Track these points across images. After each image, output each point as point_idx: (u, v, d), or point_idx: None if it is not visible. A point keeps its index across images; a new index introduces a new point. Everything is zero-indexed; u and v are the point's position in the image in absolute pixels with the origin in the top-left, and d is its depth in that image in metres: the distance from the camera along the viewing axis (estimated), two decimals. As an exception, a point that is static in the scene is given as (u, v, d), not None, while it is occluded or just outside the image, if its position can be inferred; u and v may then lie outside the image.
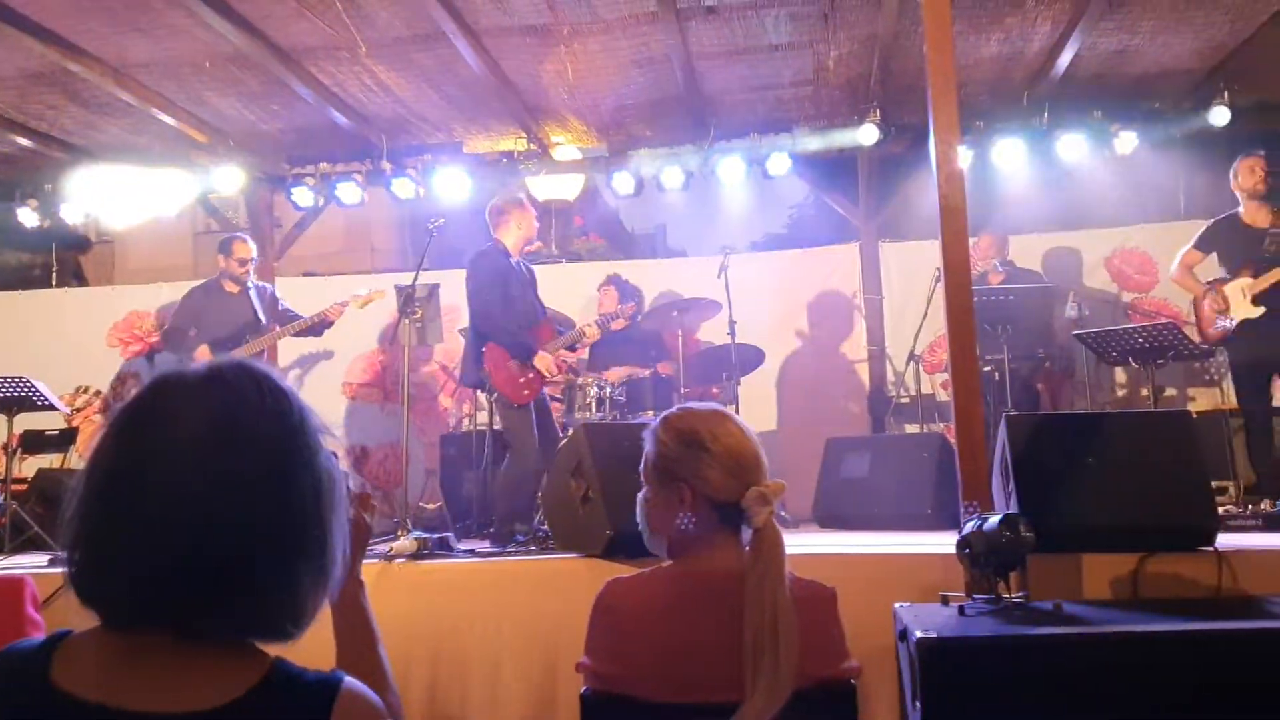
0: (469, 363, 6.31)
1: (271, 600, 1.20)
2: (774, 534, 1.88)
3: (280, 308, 7.27)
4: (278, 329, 7.06)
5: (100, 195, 8.51)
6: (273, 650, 1.23)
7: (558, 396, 7.11)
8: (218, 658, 1.19)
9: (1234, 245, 6.45)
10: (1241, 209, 6.44)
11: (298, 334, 7.26)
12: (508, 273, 6.27)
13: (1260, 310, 6.16)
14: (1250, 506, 5.61)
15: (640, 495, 2.09)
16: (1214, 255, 6.60)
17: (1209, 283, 6.48)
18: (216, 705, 1.15)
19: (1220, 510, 4.41)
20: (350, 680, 1.23)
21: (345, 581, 1.46)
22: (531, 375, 6.17)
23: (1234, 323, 6.25)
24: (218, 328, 6.93)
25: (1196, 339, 6.56)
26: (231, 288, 7.12)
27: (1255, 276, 6.22)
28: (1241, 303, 6.24)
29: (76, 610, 1.20)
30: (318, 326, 7.12)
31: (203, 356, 6.71)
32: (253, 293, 7.12)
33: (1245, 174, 6.39)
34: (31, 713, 1.15)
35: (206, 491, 1.16)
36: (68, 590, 1.20)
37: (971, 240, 5.72)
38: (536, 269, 6.62)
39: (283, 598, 1.21)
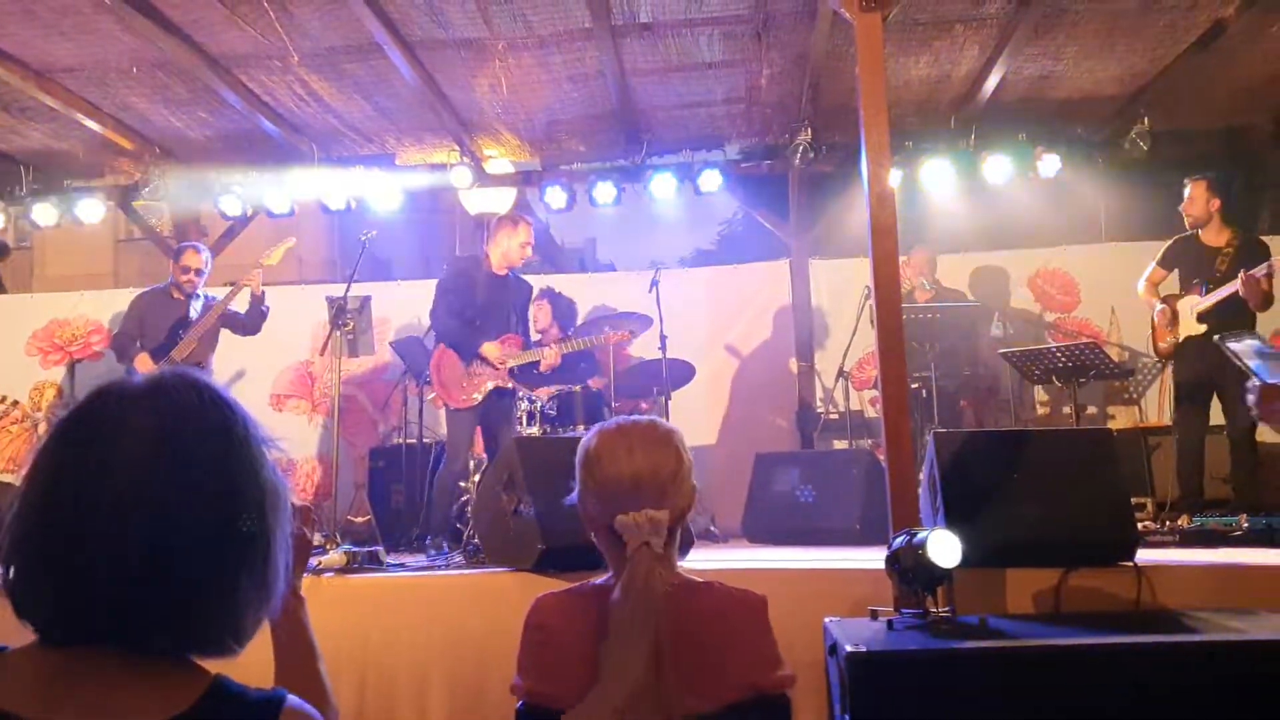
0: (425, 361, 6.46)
1: (213, 615, 1.18)
2: (637, 565, 1.84)
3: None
4: (204, 316, 6.84)
5: (21, 201, 8.32)
6: (213, 667, 1.21)
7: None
8: (158, 674, 1.17)
9: (1190, 263, 6.50)
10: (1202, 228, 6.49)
11: (240, 329, 7.06)
12: (473, 281, 6.41)
13: (1204, 328, 6.22)
14: (1168, 523, 5.75)
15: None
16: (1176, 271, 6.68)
17: (1165, 297, 6.59)
18: None
19: (1139, 526, 4.52)
20: (293, 698, 1.22)
21: (286, 597, 1.45)
22: (474, 380, 6.21)
23: (1180, 338, 6.36)
24: (156, 333, 6.77)
25: (1153, 352, 6.72)
26: (178, 295, 6.97)
27: (1202, 294, 6.30)
28: (1188, 319, 6.35)
29: (7, 623, 1.17)
30: (254, 310, 6.92)
31: (143, 365, 6.57)
32: (197, 301, 6.96)
33: (1188, 203, 6.45)
34: None
35: (148, 505, 1.14)
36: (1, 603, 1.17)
37: (902, 257, 5.81)
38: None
39: (225, 612, 1.19)
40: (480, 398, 6.27)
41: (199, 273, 6.96)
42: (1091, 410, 8.19)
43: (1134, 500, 5.54)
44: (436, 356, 6.42)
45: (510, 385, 6.34)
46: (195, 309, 6.92)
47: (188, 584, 1.15)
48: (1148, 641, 3.08)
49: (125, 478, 1.15)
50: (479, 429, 6.44)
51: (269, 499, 1.24)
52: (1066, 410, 7.43)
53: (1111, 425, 7.96)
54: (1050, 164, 7.82)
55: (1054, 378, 6.77)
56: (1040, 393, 8.34)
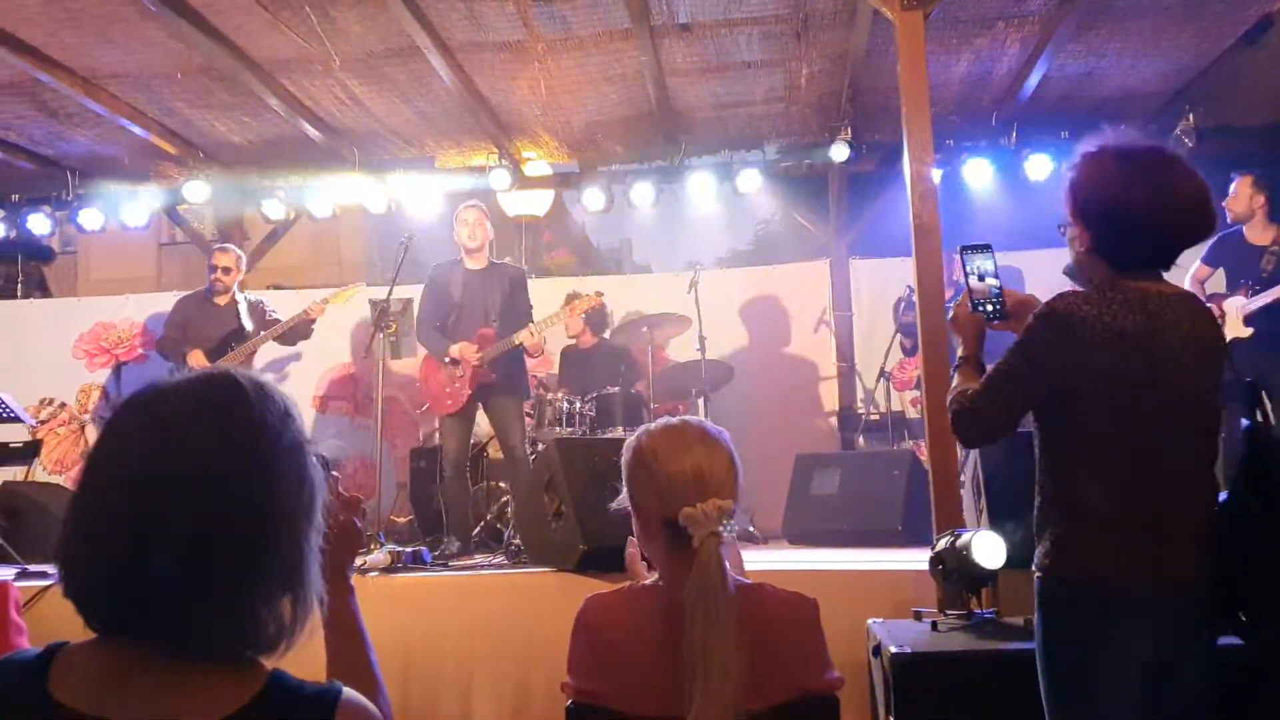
0: None
1: (257, 612, 1.19)
2: (707, 556, 1.84)
3: (268, 318, 7.19)
4: (262, 334, 6.98)
5: (68, 206, 8.45)
6: (269, 661, 1.23)
7: (527, 411, 7.11)
8: (215, 670, 1.18)
9: (1235, 261, 6.37)
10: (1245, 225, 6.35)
11: (284, 341, 7.16)
12: (448, 282, 6.41)
13: (1249, 331, 6.12)
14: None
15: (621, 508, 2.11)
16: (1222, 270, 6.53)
17: (1210, 296, 6.47)
18: (214, 718, 1.15)
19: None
20: (348, 692, 1.23)
21: (337, 587, 1.46)
22: (456, 385, 6.19)
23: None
24: (203, 339, 6.86)
25: None
26: (220, 298, 7.06)
27: (1249, 296, 6.18)
28: (1235, 321, 6.22)
29: (55, 617, 1.19)
30: (302, 328, 7.03)
31: (196, 360, 6.64)
32: (241, 304, 7.05)
33: (1232, 199, 6.32)
34: None
35: (193, 505, 1.15)
36: (55, 595, 1.19)
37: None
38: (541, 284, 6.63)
39: (266, 611, 1.20)
40: (464, 400, 6.21)
41: (227, 270, 7.04)
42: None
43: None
44: (423, 367, 6.43)
45: (492, 379, 6.21)
46: (243, 313, 6.99)
47: (232, 582, 1.17)
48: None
49: (165, 477, 1.16)
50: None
51: (307, 496, 1.25)
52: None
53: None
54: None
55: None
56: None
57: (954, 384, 2.48)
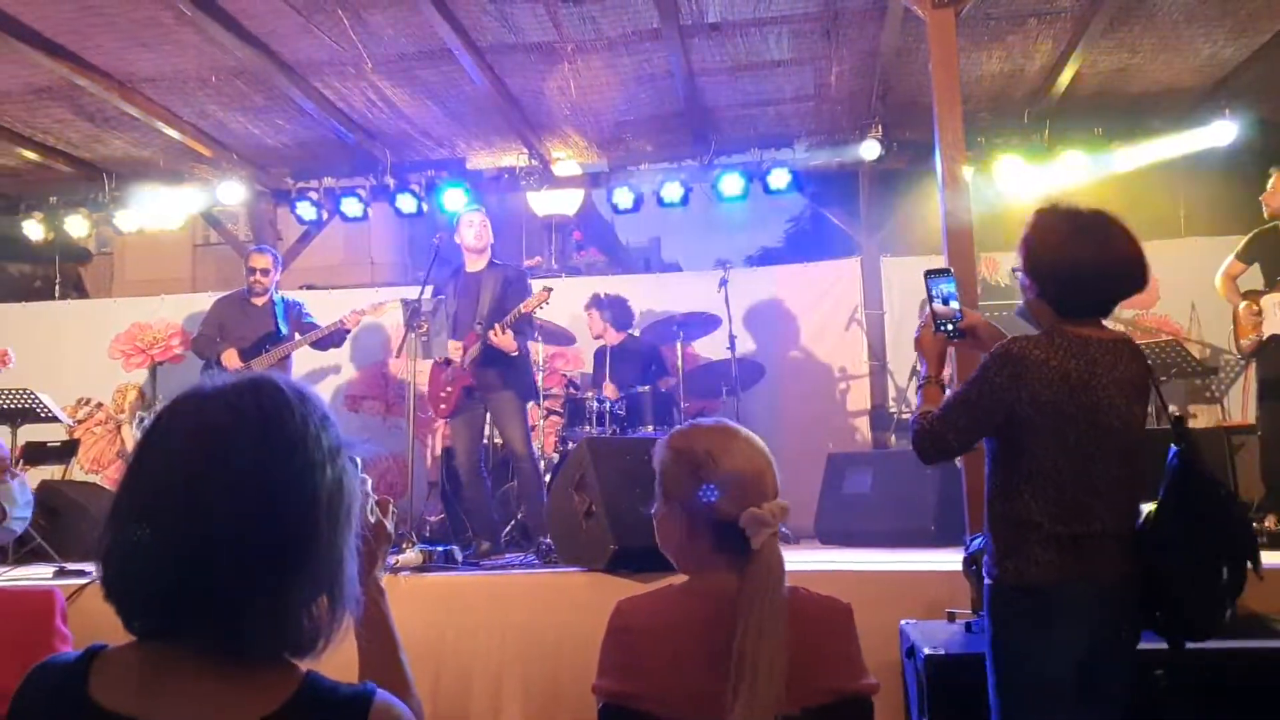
0: None
1: (295, 615, 1.20)
2: (769, 556, 1.85)
3: (304, 321, 7.27)
4: (297, 337, 7.05)
5: (104, 208, 8.55)
6: (305, 663, 1.24)
7: (558, 410, 7.12)
8: (252, 672, 1.20)
9: (1273, 258, 6.26)
10: None
11: (318, 346, 7.25)
12: (447, 284, 6.46)
13: None
14: (1254, 524, 5.59)
15: (653, 510, 2.09)
16: (1258, 265, 6.39)
17: (1245, 293, 6.39)
18: (252, 719, 1.16)
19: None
20: (381, 693, 1.24)
21: (369, 587, 1.47)
22: (450, 390, 6.22)
23: (1265, 335, 6.14)
24: (238, 339, 6.94)
25: (1235, 349, 6.50)
26: (257, 300, 7.15)
27: None
28: (1273, 316, 6.13)
29: (95, 614, 1.21)
30: (336, 336, 7.11)
31: (230, 360, 6.72)
32: (278, 306, 7.13)
33: (1269, 194, 6.20)
34: None
35: (233, 508, 1.16)
36: (95, 600, 1.21)
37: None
38: (536, 283, 6.58)
39: (305, 614, 1.21)
40: (455, 403, 6.24)
41: (265, 272, 7.11)
42: (1172, 409, 7.98)
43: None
44: (430, 371, 6.49)
45: (472, 381, 6.21)
46: (279, 315, 7.06)
47: (274, 585, 1.18)
48: (1233, 647, 3.02)
49: (211, 481, 1.18)
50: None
51: (346, 500, 1.26)
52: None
53: (1193, 425, 7.79)
54: (1127, 158, 7.68)
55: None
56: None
57: (918, 404, 2.81)
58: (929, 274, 2.82)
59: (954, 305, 2.79)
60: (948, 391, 2.73)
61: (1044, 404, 2.46)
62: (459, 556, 5.22)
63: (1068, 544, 2.44)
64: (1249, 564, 2.46)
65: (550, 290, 6.35)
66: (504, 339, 6.10)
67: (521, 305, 6.24)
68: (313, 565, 1.22)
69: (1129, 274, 2.57)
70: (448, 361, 6.26)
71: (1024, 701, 2.49)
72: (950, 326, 2.78)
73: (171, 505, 1.17)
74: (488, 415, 6.44)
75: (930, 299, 2.81)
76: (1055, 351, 2.49)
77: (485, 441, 6.83)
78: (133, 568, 1.18)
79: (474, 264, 6.44)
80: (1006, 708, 2.52)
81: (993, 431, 2.58)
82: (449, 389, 6.25)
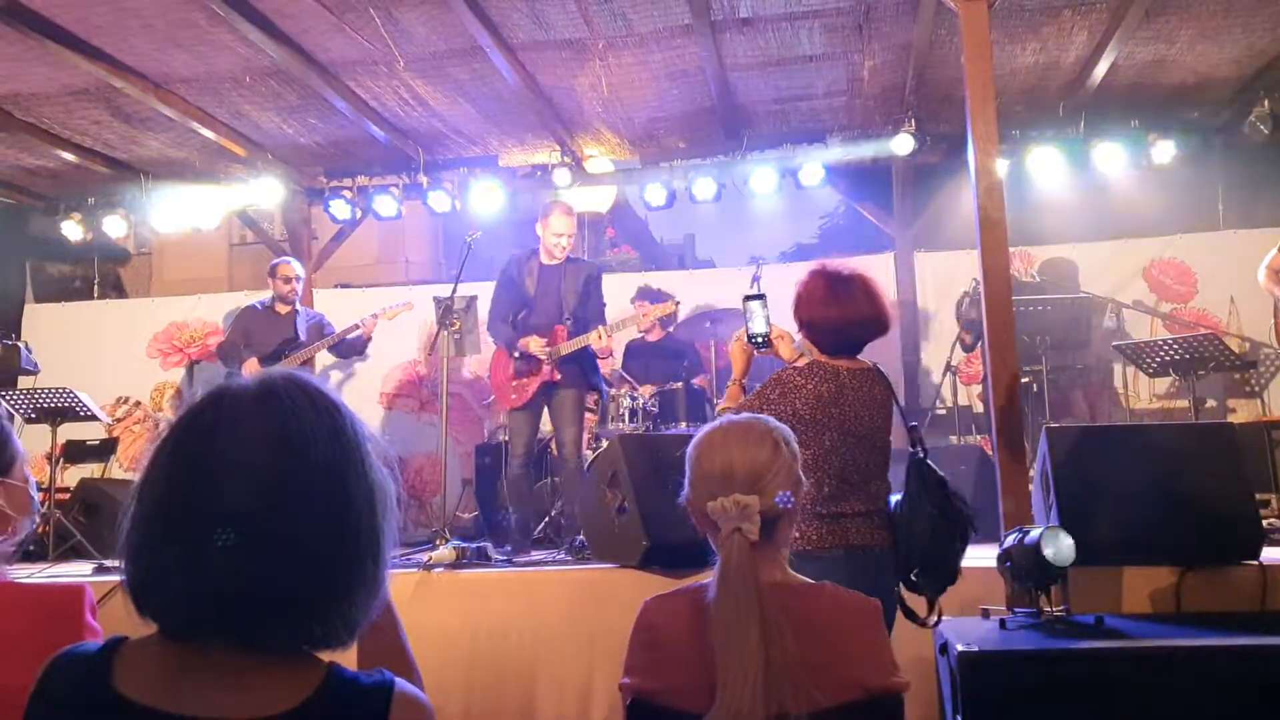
0: None
1: (328, 610, 1.21)
2: (728, 552, 1.87)
3: (325, 332, 7.38)
4: (315, 344, 7.17)
5: (141, 208, 8.64)
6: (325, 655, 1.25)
7: (590, 407, 7.13)
8: (276, 664, 1.20)
9: None
10: None
11: (340, 354, 7.36)
12: (520, 274, 6.33)
13: None
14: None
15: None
16: None
17: None
18: (278, 712, 1.17)
19: (1264, 523, 4.36)
20: (400, 682, 1.25)
21: None
22: (524, 380, 6.17)
23: None
24: (260, 345, 7.10)
25: (1275, 343, 6.44)
26: (282, 308, 7.28)
27: None
28: None
29: (126, 617, 1.21)
30: (357, 343, 7.21)
31: (251, 368, 6.81)
32: (300, 315, 7.27)
33: None
34: (95, 717, 1.17)
35: (263, 505, 1.17)
36: (123, 597, 1.21)
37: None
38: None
39: (339, 607, 1.22)
40: (530, 396, 6.19)
41: (286, 280, 7.34)
42: (1211, 404, 7.92)
43: (1258, 497, 5.35)
44: (493, 359, 6.43)
45: (558, 379, 6.15)
46: (301, 324, 7.18)
47: (303, 581, 1.18)
48: (1274, 644, 2.98)
49: (240, 478, 1.18)
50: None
51: (377, 496, 1.27)
52: (1184, 404, 7.21)
53: (1232, 419, 7.70)
54: (1164, 150, 7.60)
55: (1170, 370, 6.57)
56: (1156, 386, 8.10)
57: (720, 401, 3.60)
58: (748, 298, 3.57)
59: (763, 325, 3.52)
60: (746, 395, 3.44)
61: (804, 416, 3.17)
62: (492, 553, 5.24)
63: (831, 519, 3.16)
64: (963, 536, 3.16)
65: (679, 303, 6.47)
66: (606, 344, 6.18)
67: (642, 314, 6.30)
68: (344, 561, 1.22)
69: (868, 326, 3.33)
70: (522, 355, 6.17)
71: None
72: (760, 340, 3.53)
73: (233, 509, 1.16)
74: (545, 411, 6.39)
75: (746, 318, 3.54)
76: (811, 379, 3.23)
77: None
78: (160, 568, 1.18)
79: (552, 257, 6.33)
80: None
81: None
82: (524, 380, 6.17)
